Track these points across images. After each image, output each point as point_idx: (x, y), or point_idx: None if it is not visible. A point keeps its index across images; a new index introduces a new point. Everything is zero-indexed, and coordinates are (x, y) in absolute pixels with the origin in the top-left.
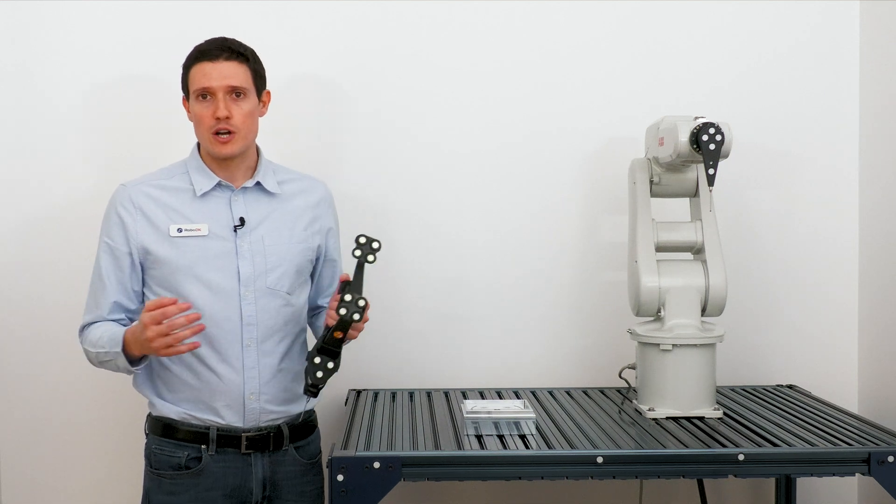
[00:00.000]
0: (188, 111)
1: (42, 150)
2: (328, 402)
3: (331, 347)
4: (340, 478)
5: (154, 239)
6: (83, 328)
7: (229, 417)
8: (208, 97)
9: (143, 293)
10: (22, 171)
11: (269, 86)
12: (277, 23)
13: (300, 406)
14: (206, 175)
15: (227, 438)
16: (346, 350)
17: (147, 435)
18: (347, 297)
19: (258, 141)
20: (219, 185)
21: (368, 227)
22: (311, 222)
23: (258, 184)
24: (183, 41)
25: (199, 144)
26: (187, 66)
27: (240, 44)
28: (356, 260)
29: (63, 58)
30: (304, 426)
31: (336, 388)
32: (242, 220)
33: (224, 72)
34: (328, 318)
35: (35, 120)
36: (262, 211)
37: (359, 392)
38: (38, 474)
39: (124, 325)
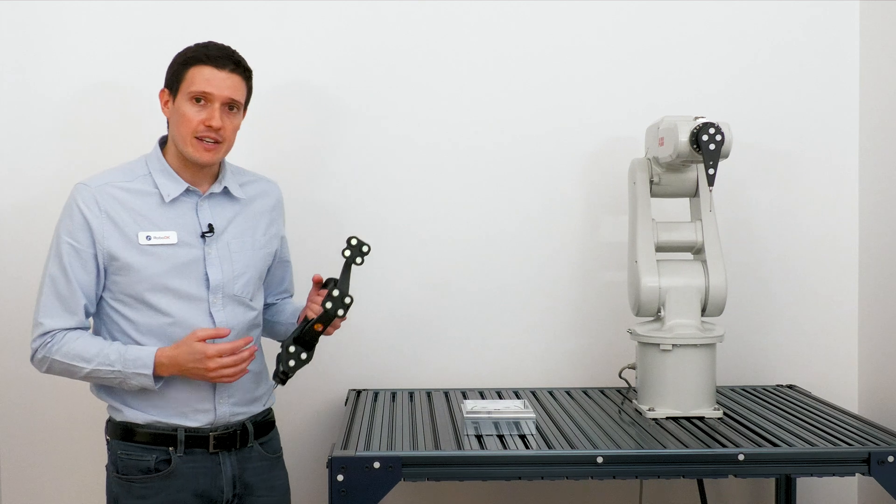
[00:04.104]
0: (164, 104)
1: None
2: (328, 402)
3: (308, 339)
4: (340, 478)
5: (121, 245)
6: (49, 333)
7: (199, 420)
8: (202, 101)
9: (102, 298)
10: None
11: (263, 87)
12: (269, 25)
13: (260, 405)
14: (174, 180)
15: (195, 439)
16: (347, 351)
17: (109, 441)
18: (335, 293)
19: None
20: (186, 190)
21: (369, 227)
22: (268, 226)
23: (225, 189)
24: (172, 43)
25: (161, 145)
26: (186, 64)
27: (243, 58)
28: (345, 260)
29: (56, 59)
30: (265, 423)
31: (336, 388)
32: (211, 227)
33: (227, 82)
34: (308, 311)
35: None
36: (227, 216)
37: (359, 392)
38: (38, 474)
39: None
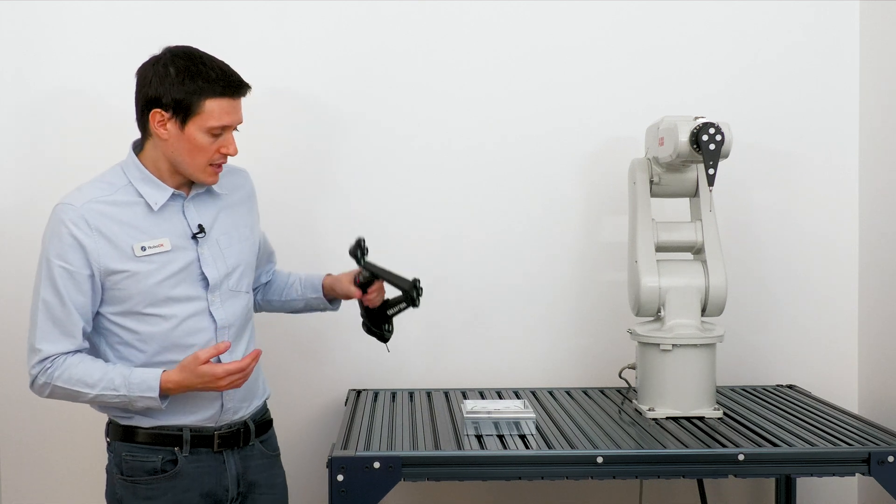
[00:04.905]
0: (159, 124)
1: None
2: (328, 402)
3: (392, 314)
4: (340, 478)
5: (117, 259)
6: (49, 359)
7: (204, 419)
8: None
9: (101, 313)
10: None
11: (262, 88)
12: (268, 25)
13: (259, 399)
14: (157, 187)
15: (200, 439)
16: (347, 351)
17: (110, 443)
18: (413, 291)
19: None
20: (171, 195)
21: (368, 227)
22: (248, 215)
23: (208, 187)
24: (171, 44)
25: (135, 151)
26: (199, 94)
27: (242, 77)
28: (356, 261)
29: (56, 59)
30: (264, 421)
31: (336, 388)
32: (201, 227)
33: (239, 108)
34: (375, 301)
35: None
36: (211, 213)
37: (359, 392)
38: (38, 474)
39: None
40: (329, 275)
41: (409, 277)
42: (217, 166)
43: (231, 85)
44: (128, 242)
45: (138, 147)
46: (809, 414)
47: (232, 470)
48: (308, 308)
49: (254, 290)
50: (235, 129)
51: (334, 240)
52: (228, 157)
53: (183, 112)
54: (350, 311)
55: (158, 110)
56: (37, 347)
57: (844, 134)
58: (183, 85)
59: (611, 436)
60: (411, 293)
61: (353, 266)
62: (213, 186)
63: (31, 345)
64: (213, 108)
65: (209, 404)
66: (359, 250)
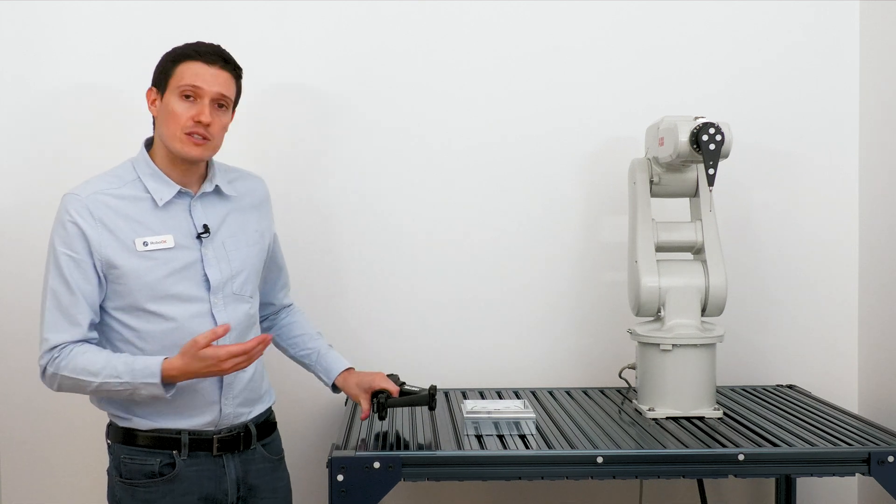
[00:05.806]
0: (151, 102)
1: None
2: (328, 402)
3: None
4: (340, 478)
5: (119, 253)
6: (56, 348)
7: (203, 423)
8: (192, 98)
9: (102, 307)
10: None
11: (262, 88)
12: (268, 25)
13: (264, 405)
14: (165, 183)
15: (199, 442)
16: (346, 352)
17: (110, 445)
18: (430, 401)
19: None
20: (178, 192)
21: (368, 228)
22: (258, 222)
23: (216, 187)
24: (171, 44)
25: (147, 147)
26: (174, 61)
27: (232, 56)
28: (378, 412)
29: (56, 59)
30: (267, 424)
31: None
32: (206, 228)
33: (217, 78)
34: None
35: None
36: (219, 215)
37: None
38: (38, 475)
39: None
40: (348, 370)
41: (426, 387)
42: (194, 137)
43: (201, 50)
44: (130, 236)
45: (150, 143)
46: (809, 414)
47: (231, 474)
48: (310, 372)
49: (265, 316)
50: (219, 105)
51: (334, 240)
52: (205, 129)
53: (163, 82)
54: (349, 311)
55: (151, 88)
56: (45, 337)
57: (844, 134)
58: (165, 58)
59: (611, 436)
60: (430, 403)
61: (357, 253)
62: (224, 188)
63: (41, 335)
64: (185, 70)
65: (207, 409)
66: (381, 410)
